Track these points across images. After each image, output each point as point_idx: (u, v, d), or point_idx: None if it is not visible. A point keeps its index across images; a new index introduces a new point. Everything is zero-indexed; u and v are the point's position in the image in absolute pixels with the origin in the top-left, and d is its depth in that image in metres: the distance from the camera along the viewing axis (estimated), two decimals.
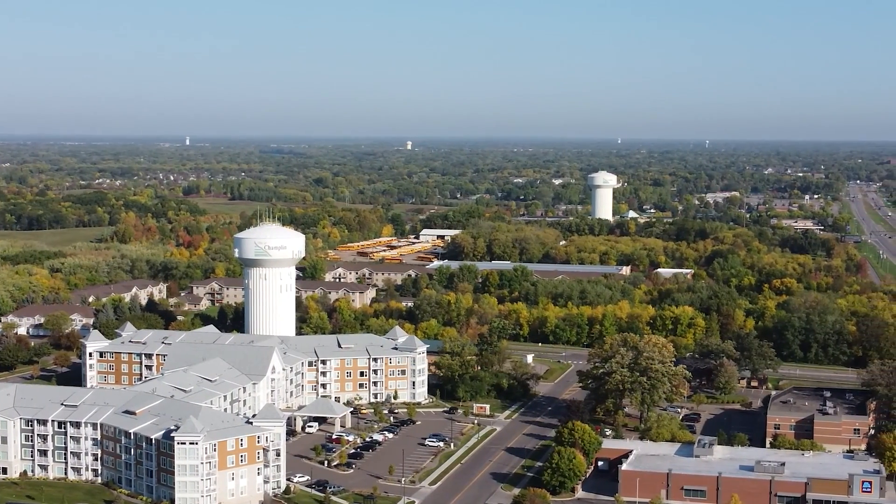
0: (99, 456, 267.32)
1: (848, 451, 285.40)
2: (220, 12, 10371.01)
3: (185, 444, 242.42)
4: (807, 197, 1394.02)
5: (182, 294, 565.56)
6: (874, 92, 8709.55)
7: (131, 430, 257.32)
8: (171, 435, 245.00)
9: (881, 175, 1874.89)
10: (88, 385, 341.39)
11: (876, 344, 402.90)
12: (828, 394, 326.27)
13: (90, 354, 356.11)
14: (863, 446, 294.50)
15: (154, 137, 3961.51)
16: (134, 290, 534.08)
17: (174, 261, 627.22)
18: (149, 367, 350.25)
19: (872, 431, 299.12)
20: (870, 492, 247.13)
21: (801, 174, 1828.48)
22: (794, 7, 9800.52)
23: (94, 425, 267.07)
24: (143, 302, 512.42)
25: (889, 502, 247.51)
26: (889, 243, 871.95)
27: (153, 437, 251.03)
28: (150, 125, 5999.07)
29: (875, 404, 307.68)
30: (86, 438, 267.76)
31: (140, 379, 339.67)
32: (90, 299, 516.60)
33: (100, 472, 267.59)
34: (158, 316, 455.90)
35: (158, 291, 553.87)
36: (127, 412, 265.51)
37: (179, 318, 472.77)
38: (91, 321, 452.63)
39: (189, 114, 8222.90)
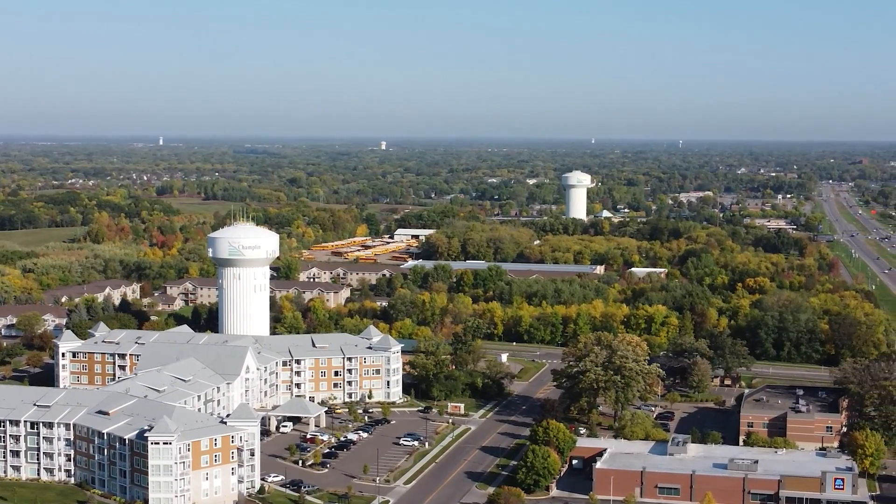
0: (72, 456, 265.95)
1: (821, 449, 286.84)
2: (194, 12, 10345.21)
3: (158, 444, 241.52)
4: (779, 196, 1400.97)
5: (156, 294, 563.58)
6: (846, 93, 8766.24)
7: (104, 431, 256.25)
8: (145, 435, 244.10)
9: (853, 175, 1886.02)
10: (61, 385, 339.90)
11: (848, 342, 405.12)
12: (800, 392, 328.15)
13: (63, 355, 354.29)
14: (835, 444, 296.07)
15: (127, 137, 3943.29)
16: (107, 290, 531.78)
17: (148, 261, 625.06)
18: (122, 368, 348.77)
19: (845, 429, 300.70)
20: (842, 489, 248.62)
21: (773, 174, 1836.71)
22: (768, 9, 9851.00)
23: (67, 426, 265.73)
24: (117, 302, 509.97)
25: (861, 499, 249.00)
26: (861, 242, 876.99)
27: (126, 437, 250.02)
28: (123, 125, 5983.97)
29: (847, 402, 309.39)
30: (59, 439, 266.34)
31: (113, 379, 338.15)
32: (63, 299, 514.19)
33: (73, 472, 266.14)
34: (132, 316, 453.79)
35: (132, 291, 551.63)
36: (100, 412, 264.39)
37: (153, 318, 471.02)
38: (64, 321, 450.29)
39: (163, 114, 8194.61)
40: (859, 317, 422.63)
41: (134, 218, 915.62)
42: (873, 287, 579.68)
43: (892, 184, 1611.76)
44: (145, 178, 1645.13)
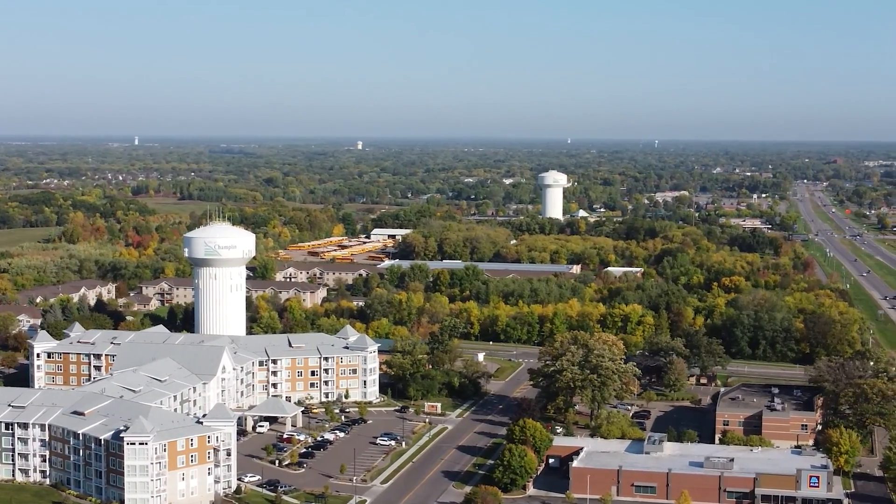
0: (47, 457, 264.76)
1: (796, 447, 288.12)
2: (168, 12, 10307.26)
3: (134, 444, 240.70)
4: (755, 196, 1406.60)
5: (131, 294, 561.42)
6: (821, 93, 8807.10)
7: (80, 431, 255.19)
8: (121, 435, 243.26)
9: (828, 174, 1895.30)
10: (36, 386, 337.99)
11: (823, 341, 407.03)
12: (776, 390, 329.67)
13: (38, 355, 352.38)
14: (810, 442, 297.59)
15: (102, 137, 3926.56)
16: (82, 290, 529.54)
17: (123, 261, 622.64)
18: (97, 368, 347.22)
19: (820, 427, 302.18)
20: (817, 486, 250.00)
21: (749, 174, 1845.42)
22: (742, 9, 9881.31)
23: (43, 426, 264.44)
24: (92, 302, 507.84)
25: (836, 496, 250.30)
26: (835, 241, 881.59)
27: (102, 437, 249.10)
28: (98, 125, 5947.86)
29: (822, 400, 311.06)
30: (34, 440, 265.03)
31: (89, 379, 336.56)
32: (38, 300, 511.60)
33: (48, 473, 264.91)
34: (107, 316, 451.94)
35: (107, 292, 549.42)
36: (75, 413, 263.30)
37: (129, 318, 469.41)
38: (38, 322, 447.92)
39: (138, 114, 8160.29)
40: (834, 316, 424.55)
41: (109, 218, 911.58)
42: (848, 286, 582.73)
43: (866, 183, 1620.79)
44: (120, 177, 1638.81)
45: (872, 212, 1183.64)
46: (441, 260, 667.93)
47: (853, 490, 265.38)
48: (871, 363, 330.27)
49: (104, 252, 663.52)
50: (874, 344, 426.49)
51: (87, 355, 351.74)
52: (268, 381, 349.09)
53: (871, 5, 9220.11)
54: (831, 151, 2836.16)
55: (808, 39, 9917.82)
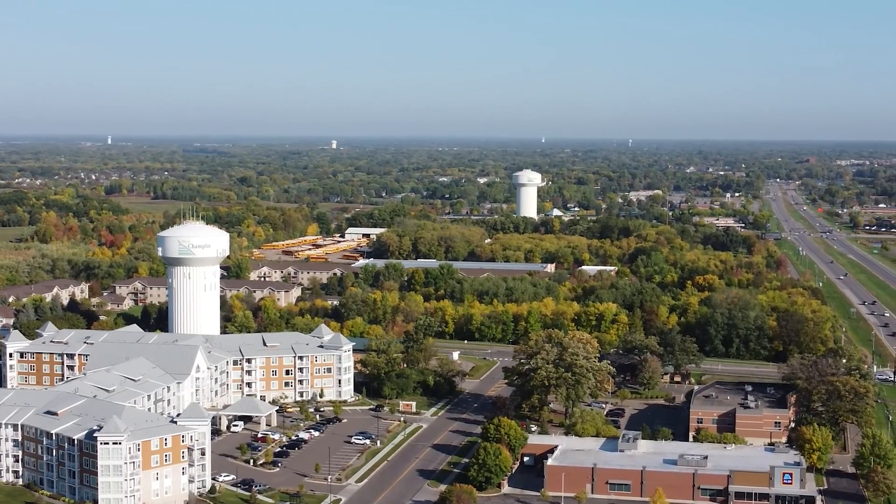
0: (20, 457, 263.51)
1: (769, 444, 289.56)
2: (141, 11, 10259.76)
3: (108, 444, 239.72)
4: (728, 195, 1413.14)
5: (104, 294, 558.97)
6: (793, 93, 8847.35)
7: (53, 431, 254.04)
8: (94, 435, 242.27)
9: (800, 173, 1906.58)
10: (9, 386, 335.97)
11: (796, 339, 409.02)
12: (749, 388, 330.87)
13: (10, 355, 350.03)
14: (783, 439, 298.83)
15: (75, 137, 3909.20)
16: (55, 290, 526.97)
17: (96, 260, 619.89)
18: (71, 368, 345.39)
19: (793, 424, 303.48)
20: (790, 483, 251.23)
21: (722, 173, 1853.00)
22: (715, 8, 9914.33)
23: (15, 426, 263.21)
24: (65, 302, 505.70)
25: (809, 493, 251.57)
26: (808, 240, 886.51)
27: (75, 437, 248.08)
28: (70, 124, 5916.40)
29: (795, 398, 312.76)
30: (6, 440, 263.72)
31: (62, 379, 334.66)
32: (10, 299, 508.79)
33: (21, 473, 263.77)
34: (80, 316, 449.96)
35: (80, 291, 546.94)
36: (48, 413, 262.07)
37: (102, 317, 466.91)
38: (11, 321, 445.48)
39: (111, 113, 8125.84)
40: (806, 314, 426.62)
41: (82, 217, 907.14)
42: (820, 284, 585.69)
43: (839, 182, 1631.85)
44: (93, 177, 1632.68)
45: (845, 210, 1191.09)
46: (416, 259, 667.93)
47: (826, 487, 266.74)
48: (844, 361, 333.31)
49: (77, 251, 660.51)
50: (846, 342, 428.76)
51: (60, 355, 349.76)
52: (242, 381, 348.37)
53: (843, 6, 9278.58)
54: (804, 151, 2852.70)
55: (781, 39, 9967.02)
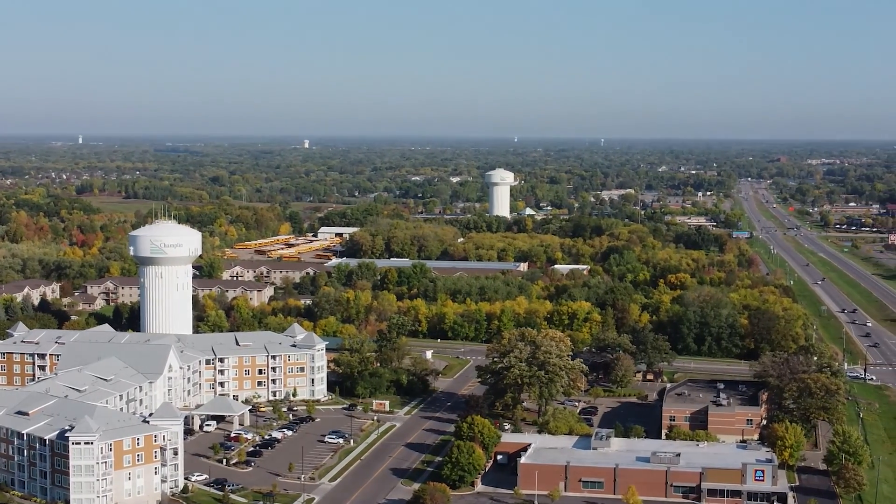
0: None
1: (741, 441, 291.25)
2: (111, 9, 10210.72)
3: (80, 444, 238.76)
4: (700, 194, 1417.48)
5: (76, 294, 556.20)
6: (764, 92, 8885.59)
7: (24, 431, 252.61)
8: (66, 435, 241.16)
9: (771, 172, 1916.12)
10: None
11: (767, 336, 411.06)
12: (721, 386, 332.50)
13: None
14: (755, 436, 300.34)
15: (45, 136, 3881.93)
16: (26, 289, 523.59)
17: (68, 260, 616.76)
18: (42, 368, 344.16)
19: (765, 421, 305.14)
20: (762, 480, 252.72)
21: (694, 172, 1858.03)
22: (687, 9, 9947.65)
23: None
24: (36, 302, 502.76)
25: (781, 490, 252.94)
26: (779, 238, 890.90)
27: (47, 437, 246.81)
28: (41, 124, 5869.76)
29: (767, 395, 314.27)
30: None
31: (33, 379, 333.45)
32: None
33: None
34: (51, 316, 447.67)
35: (51, 291, 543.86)
36: (20, 413, 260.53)
37: (73, 317, 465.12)
38: None
39: (82, 112, 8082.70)
40: (778, 311, 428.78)
41: (53, 217, 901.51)
42: (791, 282, 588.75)
43: (809, 181, 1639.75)
44: (64, 176, 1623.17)
45: (816, 209, 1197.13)
46: (388, 258, 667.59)
47: (798, 483, 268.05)
48: (815, 358, 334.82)
49: (48, 251, 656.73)
50: (817, 339, 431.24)
51: (32, 355, 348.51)
52: (215, 380, 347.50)
53: (812, 6, 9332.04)
54: (775, 150, 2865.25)
55: (750, 39, 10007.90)
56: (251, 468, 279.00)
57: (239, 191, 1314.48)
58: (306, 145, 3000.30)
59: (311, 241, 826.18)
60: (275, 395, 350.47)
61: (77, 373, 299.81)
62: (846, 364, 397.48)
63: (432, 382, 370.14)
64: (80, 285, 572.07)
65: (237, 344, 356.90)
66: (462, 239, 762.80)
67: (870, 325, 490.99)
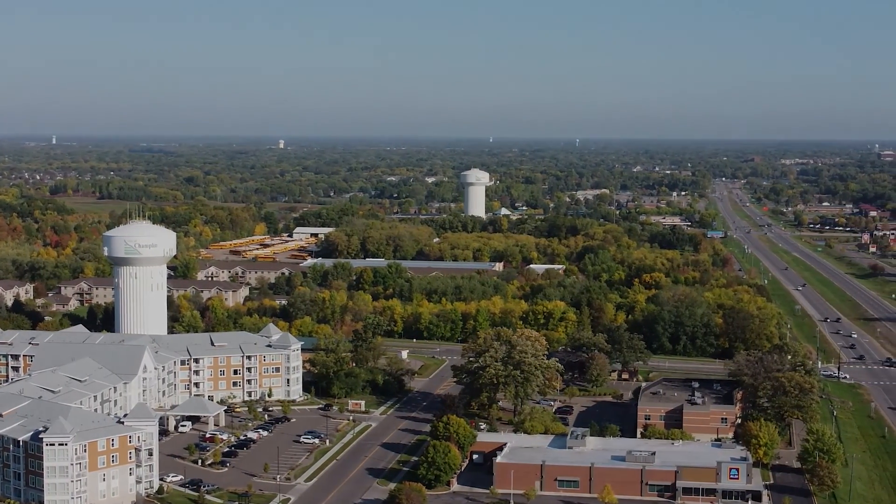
0: None
1: (716, 440, 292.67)
2: (85, 8, 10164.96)
3: (54, 445, 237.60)
4: (674, 194, 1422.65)
5: (50, 294, 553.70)
6: (737, 92, 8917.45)
7: None
8: (40, 436, 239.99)
9: (745, 172, 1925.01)
10: None
11: (742, 335, 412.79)
12: (696, 384, 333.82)
13: None
14: (730, 435, 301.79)
15: (18, 136, 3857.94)
16: None
17: (41, 261, 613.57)
18: (15, 369, 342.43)
19: (739, 420, 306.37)
20: (737, 478, 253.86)
21: (668, 172, 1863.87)
22: (662, 8, 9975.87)
23: None
24: (9, 303, 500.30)
25: (756, 488, 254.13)
26: (753, 238, 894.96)
27: (21, 438, 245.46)
28: (13, 124, 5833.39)
29: (741, 394, 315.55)
30: None
31: (6, 380, 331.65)
32: None
33: None
34: (25, 317, 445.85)
35: (25, 292, 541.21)
36: None
37: (47, 318, 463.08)
38: None
39: (55, 112, 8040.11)
40: (752, 311, 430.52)
41: (27, 217, 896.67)
42: (766, 282, 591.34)
43: (783, 181, 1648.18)
44: (38, 177, 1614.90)
45: (789, 209, 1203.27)
46: (364, 258, 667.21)
47: (772, 482, 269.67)
48: (789, 357, 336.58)
49: (21, 252, 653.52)
50: (791, 338, 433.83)
51: (5, 356, 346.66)
52: (190, 381, 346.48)
53: (787, 7, 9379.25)
54: (749, 150, 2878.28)
55: (725, 40, 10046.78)
56: (227, 469, 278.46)
57: (214, 191, 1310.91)
58: (281, 145, 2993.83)
59: (287, 241, 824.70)
60: (250, 396, 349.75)
61: (51, 374, 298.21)
62: (820, 363, 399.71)
63: (408, 382, 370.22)
64: (54, 286, 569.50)
65: (212, 344, 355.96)
66: (437, 239, 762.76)
67: (854, 336, 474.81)
